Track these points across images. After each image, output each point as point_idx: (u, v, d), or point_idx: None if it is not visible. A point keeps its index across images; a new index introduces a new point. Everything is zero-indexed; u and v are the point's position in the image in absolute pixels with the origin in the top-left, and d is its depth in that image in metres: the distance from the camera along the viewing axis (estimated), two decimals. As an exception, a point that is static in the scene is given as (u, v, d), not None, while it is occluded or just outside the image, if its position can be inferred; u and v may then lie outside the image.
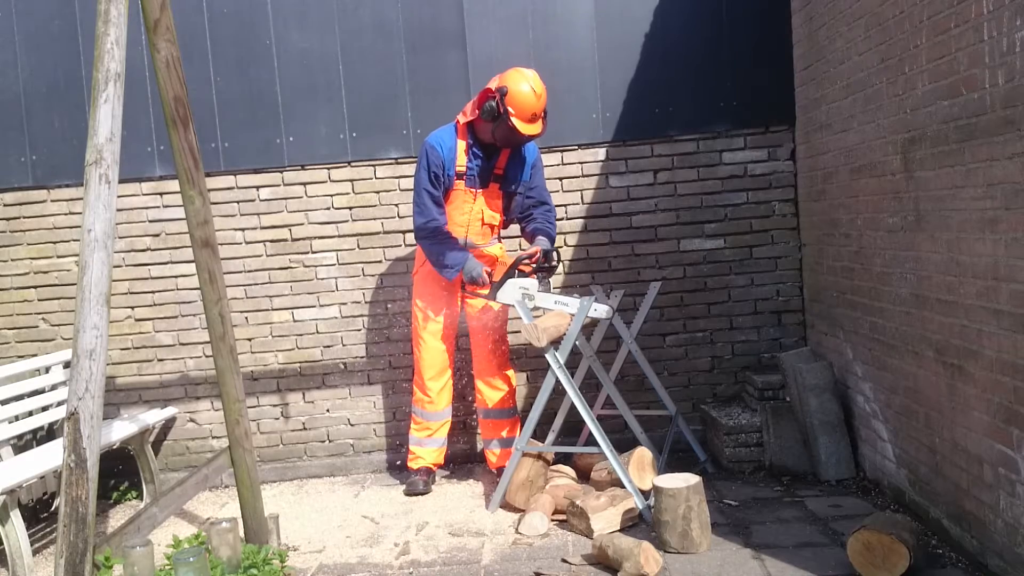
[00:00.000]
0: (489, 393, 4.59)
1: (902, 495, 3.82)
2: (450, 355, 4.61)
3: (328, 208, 5.02)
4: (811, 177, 4.72)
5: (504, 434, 4.62)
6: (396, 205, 5.00)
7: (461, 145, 4.38)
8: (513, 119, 4.16)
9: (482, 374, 4.60)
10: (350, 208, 5.02)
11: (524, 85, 4.16)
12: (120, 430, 4.51)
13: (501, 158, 4.44)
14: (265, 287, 5.06)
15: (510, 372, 4.65)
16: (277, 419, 5.12)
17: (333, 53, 4.94)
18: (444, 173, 4.35)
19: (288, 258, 5.05)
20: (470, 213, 4.46)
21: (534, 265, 4.27)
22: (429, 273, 4.50)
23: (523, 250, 4.45)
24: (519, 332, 5.00)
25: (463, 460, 5.06)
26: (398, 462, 5.03)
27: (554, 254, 4.36)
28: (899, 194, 3.64)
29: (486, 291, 4.34)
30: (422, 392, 4.59)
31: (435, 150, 4.34)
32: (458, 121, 4.41)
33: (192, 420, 5.11)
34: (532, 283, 4.14)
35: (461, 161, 4.37)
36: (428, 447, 4.64)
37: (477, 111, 4.27)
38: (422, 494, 4.54)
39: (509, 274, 4.20)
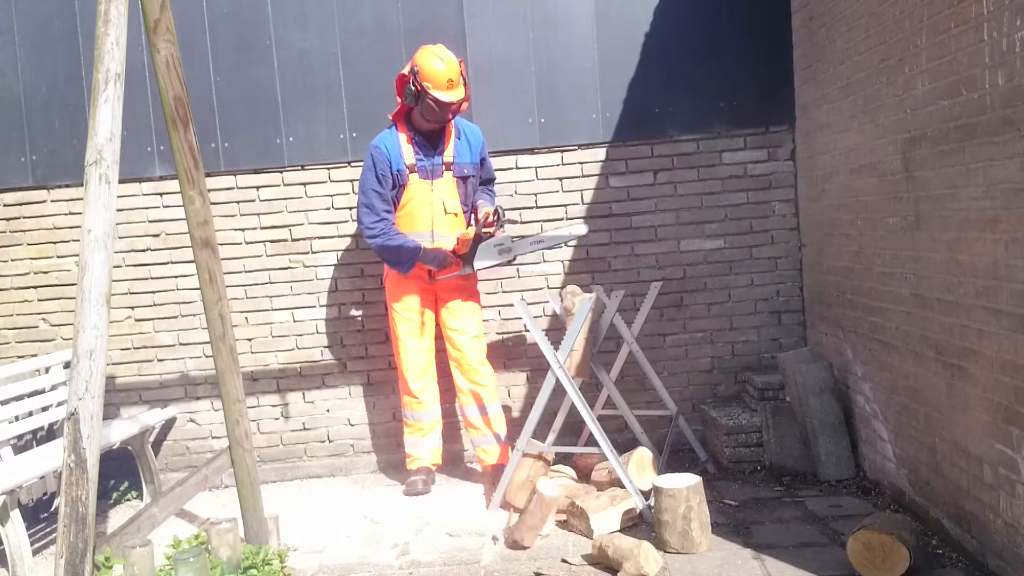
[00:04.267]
0: (468, 388, 4.56)
1: (902, 495, 3.82)
2: (431, 353, 4.62)
3: (328, 208, 5.02)
4: (811, 177, 4.72)
5: (495, 430, 4.58)
6: (396, 205, 5.00)
7: (403, 138, 4.48)
8: (432, 91, 4.26)
9: (467, 373, 4.56)
10: (350, 208, 5.01)
11: (430, 57, 4.29)
12: (120, 430, 4.51)
13: (446, 145, 4.52)
14: (265, 287, 5.06)
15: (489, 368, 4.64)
16: (277, 419, 5.12)
17: (333, 53, 4.94)
18: (392, 170, 4.44)
19: (288, 258, 5.05)
20: (432, 204, 4.51)
21: (493, 226, 4.42)
22: (398, 275, 4.54)
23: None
24: (520, 332, 5.02)
25: (462, 460, 5.06)
26: (398, 462, 5.03)
27: (502, 210, 4.53)
28: (899, 194, 3.64)
29: (458, 269, 4.45)
30: (408, 394, 4.62)
31: (379, 150, 4.44)
32: (391, 119, 4.53)
33: (192, 420, 5.11)
34: (504, 237, 4.35)
35: (408, 153, 4.47)
36: (423, 448, 4.65)
37: (400, 98, 4.40)
38: (422, 494, 4.54)
39: (476, 243, 4.37)
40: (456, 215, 4.57)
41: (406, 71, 4.35)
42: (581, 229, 4.58)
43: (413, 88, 4.29)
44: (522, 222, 4.94)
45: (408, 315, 4.56)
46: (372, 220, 4.42)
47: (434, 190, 4.49)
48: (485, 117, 4.85)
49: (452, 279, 4.50)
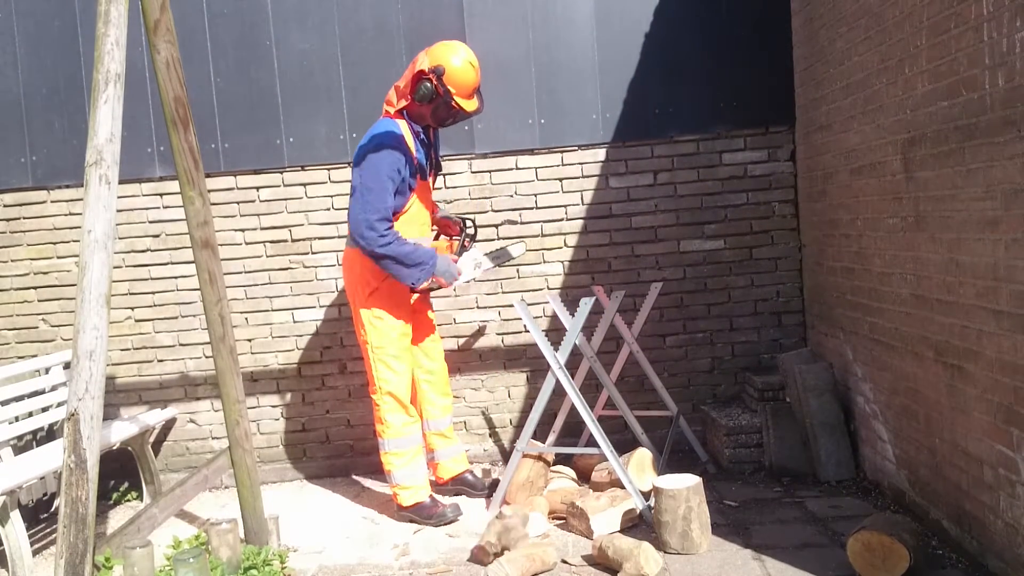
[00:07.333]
0: (442, 402, 4.43)
1: (902, 496, 3.82)
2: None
3: (328, 209, 5.02)
4: (811, 178, 4.72)
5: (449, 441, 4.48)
6: (396, 206, 5.00)
7: (408, 134, 3.99)
8: (456, 98, 3.92)
9: (441, 386, 4.43)
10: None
11: (460, 61, 3.90)
12: (120, 431, 4.51)
13: (432, 140, 4.20)
14: (265, 288, 5.06)
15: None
16: (277, 420, 5.12)
17: (333, 53, 4.94)
18: (407, 167, 3.92)
19: (288, 259, 5.05)
20: (428, 207, 4.21)
21: (464, 237, 4.36)
22: (393, 285, 4.05)
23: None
24: (521, 332, 5.02)
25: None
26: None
27: (473, 223, 4.47)
28: (899, 195, 3.64)
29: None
30: (406, 414, 4.13)
31: (399, 139, 3.90)
32: (388, 112, 4.07)
33: (192, 421, 5.11)
34: (476, 252, 4.32)
35: (417, 151, 4.01)
36: (422, 473, 4.18)
37: (410, 96, 3.96)
38: (454, 522, 4.09)
39: (458, 255, 4.30)
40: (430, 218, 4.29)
41: (425, 67, 3.89)
42: (519, 249, 4.57)
43: (432, 88, 3.87)
44: (521, 223, 4.94)
45: (405, 330, 4.13)
46: (385, 225, 3.84)
47: (429, 192, 4.23)
48: (485, 118, 4.84)
49: (423, 292, 4.24)
